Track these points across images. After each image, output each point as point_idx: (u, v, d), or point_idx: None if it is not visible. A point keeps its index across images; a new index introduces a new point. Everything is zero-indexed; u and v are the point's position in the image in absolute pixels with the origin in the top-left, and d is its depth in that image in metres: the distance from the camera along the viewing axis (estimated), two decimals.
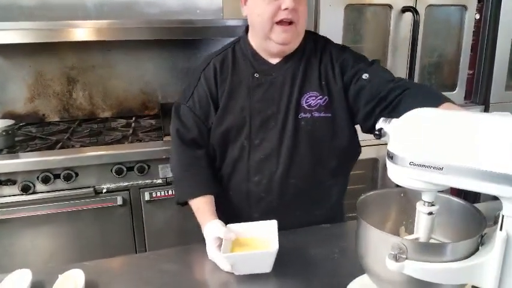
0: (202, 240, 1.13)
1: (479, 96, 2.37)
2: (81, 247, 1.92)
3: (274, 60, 1.25)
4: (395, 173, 0.74)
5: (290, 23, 1.15)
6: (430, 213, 0.76)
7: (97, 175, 1.86)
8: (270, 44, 1.19)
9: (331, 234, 1.21)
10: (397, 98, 1.09)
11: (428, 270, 0.69)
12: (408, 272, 0.70)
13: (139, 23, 2.04)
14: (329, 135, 1.21)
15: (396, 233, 0.91)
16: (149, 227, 1.98)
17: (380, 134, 0.74)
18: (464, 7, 2.20)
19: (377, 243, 0.76)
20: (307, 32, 1.25)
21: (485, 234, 0.73)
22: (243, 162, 1.23)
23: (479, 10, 2.27)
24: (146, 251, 2.00)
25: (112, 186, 1.89)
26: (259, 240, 1.05)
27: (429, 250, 0.71)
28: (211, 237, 1.07)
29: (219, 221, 1.12)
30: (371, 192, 0.89)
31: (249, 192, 1.25)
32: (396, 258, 0.70)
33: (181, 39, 2.29)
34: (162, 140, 1.97)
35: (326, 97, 1.20)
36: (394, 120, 0.74)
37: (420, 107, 0.73)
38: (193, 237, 1.38)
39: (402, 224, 0.92)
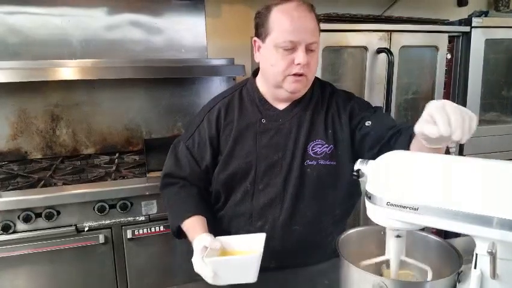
0: (186, 280, 1.11)
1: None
2: (62, 287, 1.87)
3: (281, 106, 1.27)
4: (374, 213, 0.77)
5: (302, 74, 1.17)
6: (398, 236, 0.79)
7: (79, 213, 1.83)
8: (281, 91, 1.22)
9: (314, 273, 1.21)
10: (394, 138, 1.11)
11: None
12: None
13: (123, 62, 2.08)
14: (333, 183, 1.23)
15: (378, 270, 0.94)
16: (132, 265, 1.94)
17: (358, 175, 0.78)
18: (436, 48, 2.31)
19: (358, 281, 0.78)
20: (314, 79, 1.28)
21: (461, 271, 0.76)
22: (246, 206, 1.25)
23: (450, 50, 2.39)
24: None
25: (94, 224, 1.86)
26: (246, 252, 1.04)
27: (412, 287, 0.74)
28: (199, 247, 1.04)
29: (209, 234, 1.10)
30: (352, 230, 0.92)
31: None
32: None
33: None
34: (146, 176, 1.97)
35: (331, 145, 1.22)
36: (371, 161, 0.78)
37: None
38: (178, 275, 1.36)
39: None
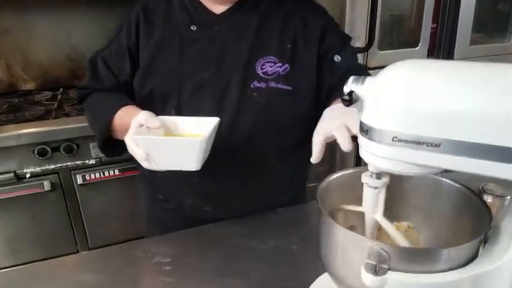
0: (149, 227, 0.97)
1: (442, 52, 2.22)
2: (12, 241, 1.70)
3: (218, 9, 0.98)
4: (371, 153, 0.53)
5: None
6: (375, 188, 0.58)
7: (17, 158, 1.60)
8: None
9: (288, 220, 1.01)
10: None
11: (419, 286, 0.51)
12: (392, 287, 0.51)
13: None
14: (287, 115, 0.98)
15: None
16: (88, 213, 1.76)
17: (350, 100, 0.53)
18: None
19: (348, 249, 0.56)
20: None
21: (491, 228, 0.55)
22: None
23: None
24: (87, 240, 1.81)
25: (37, 170, 1.64)
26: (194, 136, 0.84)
27: (422, 257, 0.52)
28: (134, 124, 0.83)
29: (150, 112, 0.86)
30: (334, 176, 0.69)
31: (179, 174, 0.94)
32: (376, 270, 0.51)
33: None
34: None
35: (286, 65, 0.96)
36: (369, 79, 0.53)
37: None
38: (139, 220, 1.23)
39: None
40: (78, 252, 1.80)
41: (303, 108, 0.99)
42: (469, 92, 0.47)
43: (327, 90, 1.00)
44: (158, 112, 0.93)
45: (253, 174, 1.02)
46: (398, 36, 2.14)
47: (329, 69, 0.99)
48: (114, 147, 1.01)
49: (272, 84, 0.95)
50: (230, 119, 0.94)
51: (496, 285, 0.51)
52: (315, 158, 0.75)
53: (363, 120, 0.53)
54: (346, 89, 0.55)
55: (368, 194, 0.60)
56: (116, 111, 0.93)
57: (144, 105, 0.95)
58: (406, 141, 0.49)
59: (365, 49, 1.97)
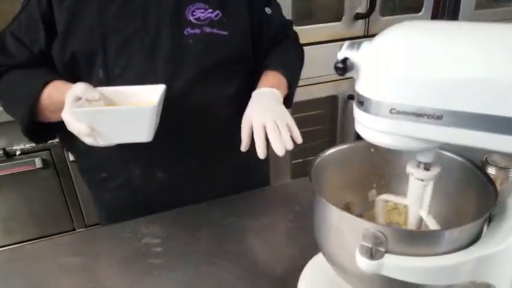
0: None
1: (446, 17, 2.13)
2: (5, 220, 1.68)
3: None
4: (367, 126, 0.48)
5: None
6: (422, 180, 0.53)
7: (6, 135, 1.56)
8: None
9: (282, 196, 0.98)
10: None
11: (418, 270, 0.47)
12: (389, 272, 0.47)
13: None
14: (227, 60, 0.93)
15: (365, 199, 0.69)
16: (83, 190, 1.71)
17: (344, 68, 0.47)
18: None
19: (342, 230, 0.52)
20: None
21: (496, 206, 0.51)
22: None
23: None
24: (83, 217, 1.79)
25: (28, 146, 1.60)
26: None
27: (421, 239, 0.48)
28: (70, 98, 0.75)
29: (86, 83, 0.79)
30: (330, 151, 0.64)
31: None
32: (372, 254, 0.47)
33: None
34: None
35: (217, 11, 0.91)
36: (365, 44, 0.48)
37: None
38: None
39: (373, 186, 0.69)
40: (75, 229, 1.78)
41: (243, 53, 0.96)
42: (476, 57, 0.42)
43: (266, 43, 0.99)
44: (84, 78, 0.86)
45: (205, 128, 0.95)
46: (401, 1, 2.04)
47: (263, 22, 0.98)
48: (42, 131, 0.91)
49: (207, 29, 0.90)
50: (166, 71, 0.88)
51: (502, 268, 0.47)
52: (244, 146, 0.79)
53: (358, 90, 0.48)
54: (340, 55, 0.49)
55: (413, 186, 0.54)
56: (41, 90, 0.84)
57: (67, 73, 0.88)
58: (405, 113, 0.44)
59: (366, 15, 1.88)
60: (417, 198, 0.55)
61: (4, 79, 0.91)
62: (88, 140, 0.73)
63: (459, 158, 0.60)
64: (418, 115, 0.44)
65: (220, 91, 0.94)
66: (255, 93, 0.88)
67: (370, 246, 0.47)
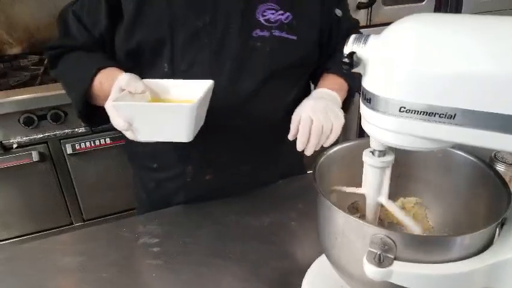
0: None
1: (450, 6, 2.09)
2: (2, 214, 1.65)
3: None
4: (375, 125, 0.46)
5: None
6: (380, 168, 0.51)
7: (2, 128, 1.52)
8: None
9: (285, 194, 0.95)
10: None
11: (429, 278, 0.44)
12: (398, 280, 0.45)
13: None
14: (292, 65, 0.90)
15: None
16: (81, 183, 1.71)
17: (350, 63, 0.44)
18: None
19: (348, 234, 0.50)
20: None
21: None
22: None
23: None
24: (81, 211, 1.77)
25: (25, 139, 1.57)
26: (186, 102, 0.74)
27: (431, 246, 0.45)
28: (115, 88, 0.74)
29: (133, 74, 0.77)
30: (335, 148, 0.61)
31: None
32: (380, 260, 0.45)
33: None
34: None
35: (288, 13, 0.86)
36: (373, 38, 0.45)
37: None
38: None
39: None
40: (72, 224, 1.76)
41: (309, 59, 0.93)
42: (492, 51, 0.39)
43: (331, 49, 0.96)
44: (148, 68, 0.84)
45: (260, 136, 0.94)
46: None
47: (333, 26, 0.94)
48: (97, 116, 0.90)
49: (276, 33, 0.86)
50: (233, 70, 0.85)
51: None
52: (291, 135, 0.80)
53: (365, 87, 0.45)
54: (346, 49, 0.46)
55: (370, 174, 0.52)
56: (94, 76, 0.83)
57: (130, 62, 0.86)
58: (416, 112, 0.41)
59: (369, 4, 1.84)
60: (375, 186, 0.53)
61: (63, 61, 0.91)
62: (128, 134, 0.71)
63: (470, 157, 0.57)
64: (429, 114, 0.41)
65: (279, 99, 0.92)
66: (315, 92, 0.87)
67: (378, 252, 0.45)
